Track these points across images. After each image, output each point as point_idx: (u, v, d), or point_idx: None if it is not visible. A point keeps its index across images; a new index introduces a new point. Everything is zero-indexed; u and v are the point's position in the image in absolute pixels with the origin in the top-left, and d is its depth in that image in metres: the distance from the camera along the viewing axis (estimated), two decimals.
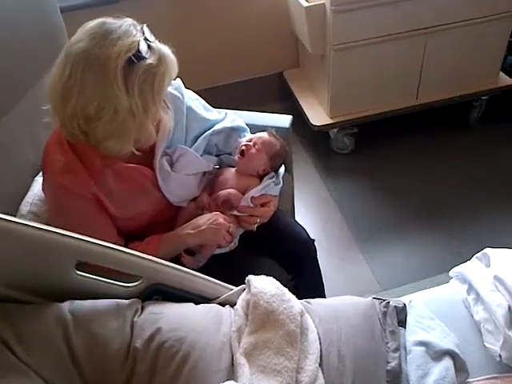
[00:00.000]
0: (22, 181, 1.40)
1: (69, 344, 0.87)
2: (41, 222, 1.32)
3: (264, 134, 1.42)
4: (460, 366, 0.98)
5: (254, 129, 1.50)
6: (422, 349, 0.99)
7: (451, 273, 1.24)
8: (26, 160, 1.42)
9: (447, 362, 0.96)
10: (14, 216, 1.32)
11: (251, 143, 1.38)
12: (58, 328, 0.88)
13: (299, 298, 1.28)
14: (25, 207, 1.36)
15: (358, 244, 2.16)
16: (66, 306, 0.93)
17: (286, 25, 2.56)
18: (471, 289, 1.14)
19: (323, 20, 2.18)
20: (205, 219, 1.31)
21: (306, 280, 1.49)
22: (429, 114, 2.59)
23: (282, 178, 1.46)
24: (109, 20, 1.09)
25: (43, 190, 1.27)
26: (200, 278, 1.05)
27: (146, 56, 1.08)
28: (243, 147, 1.37)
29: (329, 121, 2.42)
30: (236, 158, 1.39)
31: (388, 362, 0.98)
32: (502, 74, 2.57)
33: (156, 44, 1.12)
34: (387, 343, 1.01)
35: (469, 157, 2.51)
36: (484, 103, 2.59)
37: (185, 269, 1.03)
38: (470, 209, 2.26)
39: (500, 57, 2.49)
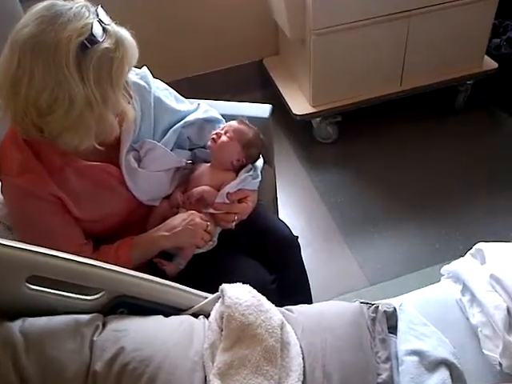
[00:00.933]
0: None
1: (19, 369, 0.78)
2: (0, 228, 1.25)
3: (234, 122, 1.34)
4: (457, 377, 0.90)
5: (231, 120, 1.40)
6: (415, 359, 0.91)
7: (443, 271, 1.16)
8: None
9: (443, 373, 0.88)
10: None
11: (222, 131, 1.31)
12: (5, 351, 0.79)
13: (283, 299, 1.20)
14: None
15: (344, 237, 2.08)
16: (17, 325, 0.83)
17: (264, 9, 2.45)
18: (466, 289, 1.07)
19: (303, 3, 2.08)
20: (180, 219, 1.22)
21: (290, 280, 1.41)
22: (414, 101, 2.52)
23: (261, 171, 1.37)
24: (58, 2, 0.99)
25: (1, 192, 1.18)
26: (169, 286, 0.95)
27: (101, 40, 0.98)
28: (214, 135, 1.30)
29: (311, 109, 2.34)
30: (208, 145, 1.32)
31: (379, 375, 0.89)
32: (486, 57, 2.51)
33: (112, 26, 1.02)
34: (377, 353, 0.93)
35: (456, 143, 2.44)
36: (470, 88, 2.53)
37: (151, 278, 0.94)
38: (459, 197, 2.20)
39: (485, 40, 2.42)
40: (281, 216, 1.78)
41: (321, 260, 2.01)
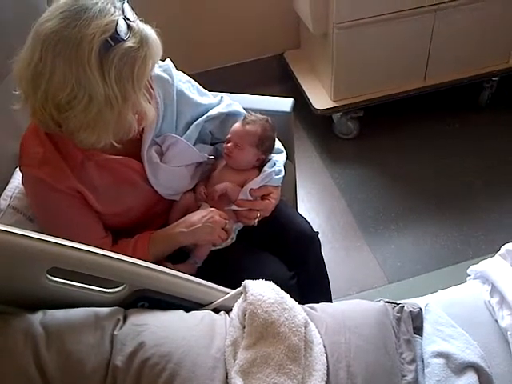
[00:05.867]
0: (1, 171, 1.28)
1: (39, 362, 0.77)
2: (21, 218, 1.25)
3: (238, 126, 1.29)
4: (486, 381, 0.87)
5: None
6: (441, 361, 0.88)
7: (470, 271, 1.13)
8: (6, 149, 1.31)
9: (471, 377, 0.85)
10: None
11: (231, 144, 1.27)
12: (26, 344, 0.78)
13: (302, 296, 1.18)
14: (4, 201, 1.26)
15: (364, 234, 2.06)
16: (38, 317, 0.83)
17: (286, 2, 2.43)
18: (495, 290, 1.03)
19: None
20: (199, 216, 1.21)
21: (309, 277, 1.39)
22: (437, 97, 2.47)
23: (284, 167, 1.35)
24: None
25: (23, 183, 1.18)
26: (190, 281, 0.94)
27: (125, 38, 0.96)
28: (225, 151, 1.28)
29: (332, 104, 2.30)
30: (224, 160, 1.30)
31: (403, 376, 0.87)
32: None
33: (137, 24, 0.99)
34: (402, 354, 0.90)
35: (480, 141, 2.39)
36: (495, 85, 2.47)
37: (172, 272, 0.93)
38: (481, 196, 2.16)
39: None
40: (300, 212, 1.76)
41: (339, 256, 1.99)
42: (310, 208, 2.17)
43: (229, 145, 1.27)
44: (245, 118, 1.31)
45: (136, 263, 0.88)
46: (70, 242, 0.83)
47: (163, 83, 1.22)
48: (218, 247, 1.27)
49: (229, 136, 1.29)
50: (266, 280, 1.00)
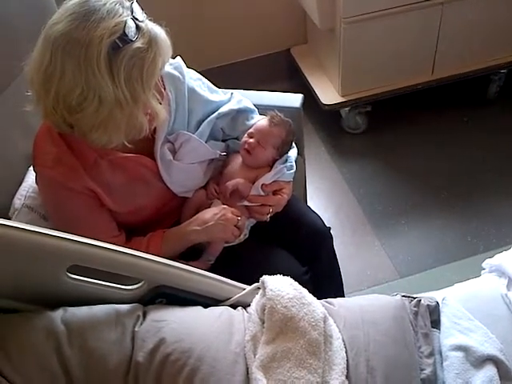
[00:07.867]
0: (15, 171, 1.30)
1: (62, 360, 0.78)
2: (36, 217, 1.26)
3: (264, 125, 1.29)
4: (504, 374, 0.87)
5: (262, 110, 1.38)
6: (460, 354, 0.88)
7: (485, 264, 1.13)
8: (20, 148, 1.31)
9: (490, 370, 0.85)
10: (8, 210, 1.24)
11: (254, 140, 1.27)
12: (48, 341, 0.79)
13: (315, 292, 1.19)
14: (18, 200, 1.27)
15: (374, 229, 2.06)
16: (59, 314, 0.83)
17: None
18: None
19: None
20: (211, 214, 1.21)
21: (322, 272, 1.40)
22: (445, 90, 2.46)
23: (295, 162, 1.35)
24: None
25: (36, 183, 1.19)
26: (207, 277, 0.95)
27: (134, 39, 0.95)
28: (246, 146, 1.27)
29: (340, 99, 2.30)
30: (241, 155, 1.30)
31: (422, 370, 0.87)
32: None
33: (146, 24, 0.99)
34: (420, 347, 0.91)
35: (488, 134, 2.38)
36: (503, 77, 2.46)
37: (190, 268, 0.93)
38: (490, 189, 2.15)
39: None
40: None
41: (350, 252, 1.99)
42: (319, 203, 2.16)
43: (251, 141, 1.27)
44: (272, 117, 1.30)
45: (154, 260, 0.89)
46: (90, 240, 0.83)
47: (174, 81, 1.21)
48: (230, 244, 1.27)
49: (252, 131, 1.29)
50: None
